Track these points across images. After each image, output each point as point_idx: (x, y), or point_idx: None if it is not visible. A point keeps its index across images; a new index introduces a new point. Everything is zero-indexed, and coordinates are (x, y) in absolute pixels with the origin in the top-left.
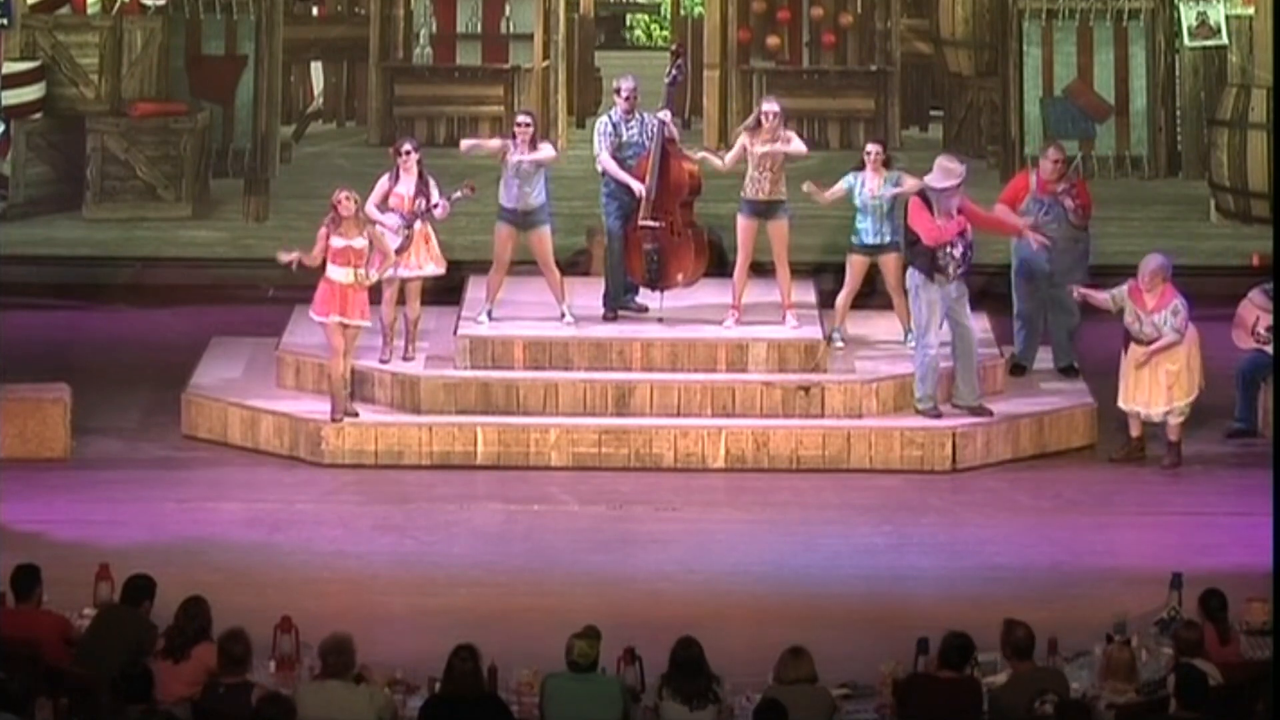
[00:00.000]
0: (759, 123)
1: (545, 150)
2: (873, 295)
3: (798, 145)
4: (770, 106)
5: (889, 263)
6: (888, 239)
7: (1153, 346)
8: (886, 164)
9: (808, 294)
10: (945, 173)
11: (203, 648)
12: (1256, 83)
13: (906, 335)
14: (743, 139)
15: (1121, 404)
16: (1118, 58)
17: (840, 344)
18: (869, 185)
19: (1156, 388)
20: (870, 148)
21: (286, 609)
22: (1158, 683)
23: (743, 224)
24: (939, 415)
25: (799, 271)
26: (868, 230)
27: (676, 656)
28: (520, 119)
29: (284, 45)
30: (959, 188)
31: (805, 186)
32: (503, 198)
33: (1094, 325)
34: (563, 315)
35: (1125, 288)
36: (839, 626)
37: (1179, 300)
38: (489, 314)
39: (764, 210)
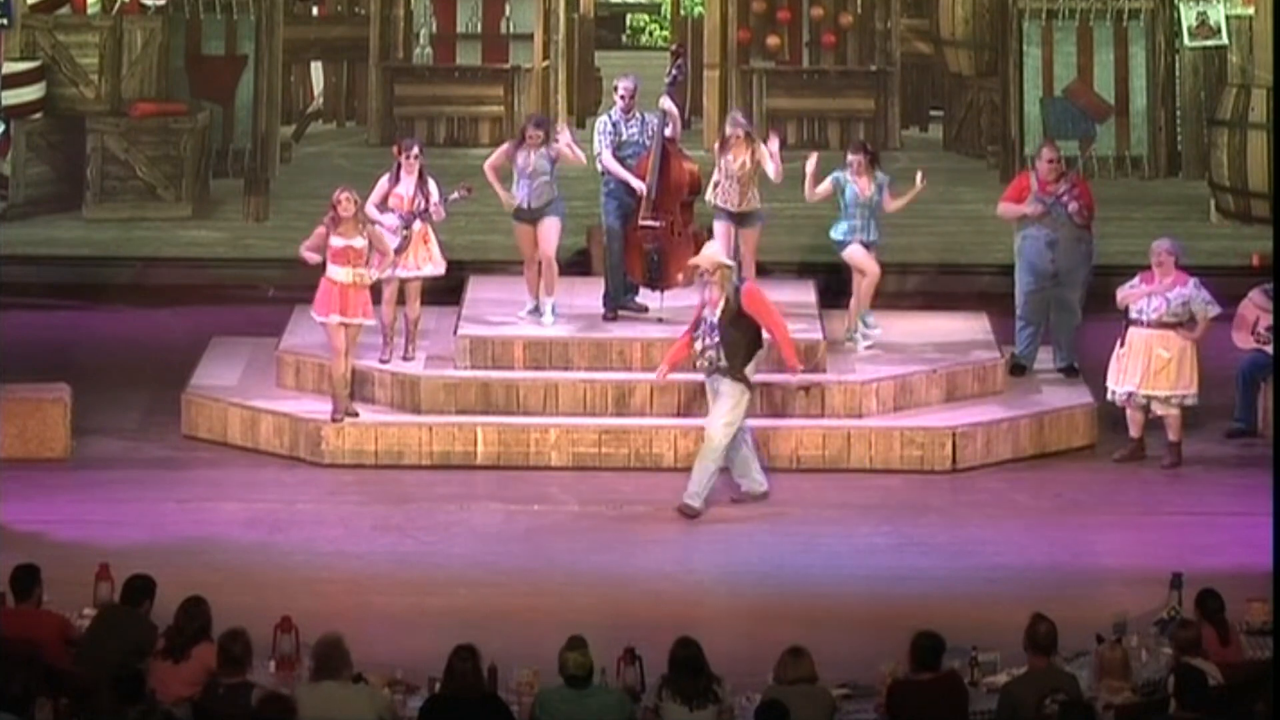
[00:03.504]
0: (724, 140)
1: (563, 146)
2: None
3: (772, 167)
4: (734, 129)
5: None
6: (874, 236)
7: (1198, 331)
8: (874, 165)
9: (808, 294)
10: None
11: (203, 648)
12: (1256, 83)
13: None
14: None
15: (1110, 384)
16: (1118, 58)
17: (865, 340)
18: (859, 185)
19: (1146, 370)
20: (850, 158)
21: (286, 609)
22: (1158, 683)
23: (719, 228)
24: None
25: (794, 272)
26: (858, 227)
27: (675, 656)
28: (532, 130)
29: (284, 45)
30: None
31: (810, 164)
32: (520, 197)
33: (1095, 325)
34: (538, 309)
35: (1137, 277)
36: (839, 626)
37: (1196, 280)
38: (536, 309)
39: (738, 219)
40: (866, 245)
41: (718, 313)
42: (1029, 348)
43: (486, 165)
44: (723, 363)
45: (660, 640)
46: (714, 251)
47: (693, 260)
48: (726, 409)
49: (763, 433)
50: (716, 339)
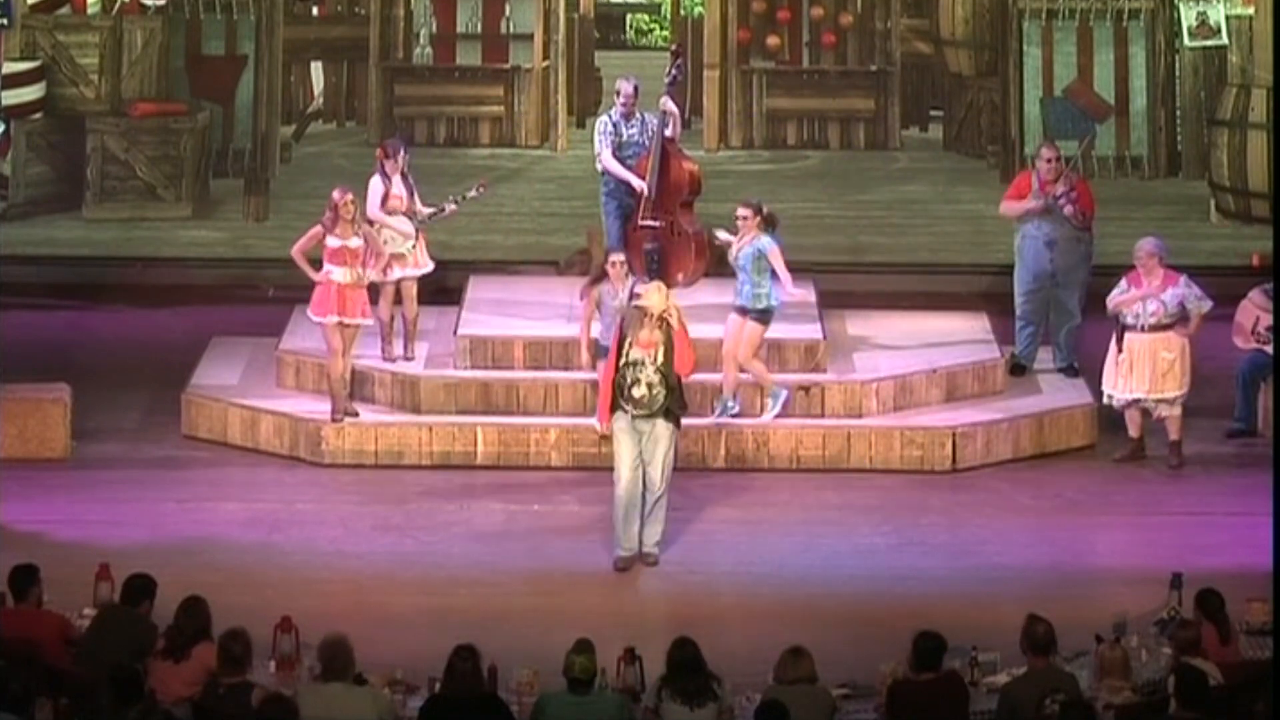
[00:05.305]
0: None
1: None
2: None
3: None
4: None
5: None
6: (745, 300)
7: (1193, 327)
8: (765, 224)
9: (808, 294)
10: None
11: (203, 648)
12: (1256, 83)
13: (723, 402)
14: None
15: (1106, 389)
16: (1118, 58)
17: (733, 409)
18: (734, 245)
19: (1154, 375)
20: (739, 210)
21: (286, 609)
22: (1158, 683)
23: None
24: (625, 568)
25: (797, 272)
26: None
27: (672, 658)
28: (614, 257)
29: (284, 45)
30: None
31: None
32: (601, 334)
33: (1095, 325)
34: None
35: (1124, 281)
36: (839, 626)
37: (1185, 277)
38: None
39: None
40: (745, 311)
41: (659, 355)
42: (1029, 348)
43: (581, 325)
44: (665, 404)
45: (659, 640)
46: (661, 295)
47: (637, 303)
48: (664, 451)
49: (763, 432)
50: (659, 379)
